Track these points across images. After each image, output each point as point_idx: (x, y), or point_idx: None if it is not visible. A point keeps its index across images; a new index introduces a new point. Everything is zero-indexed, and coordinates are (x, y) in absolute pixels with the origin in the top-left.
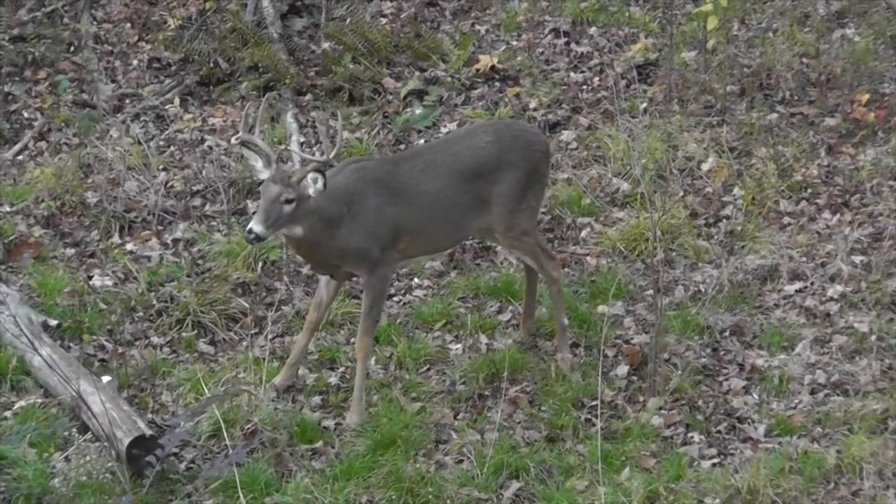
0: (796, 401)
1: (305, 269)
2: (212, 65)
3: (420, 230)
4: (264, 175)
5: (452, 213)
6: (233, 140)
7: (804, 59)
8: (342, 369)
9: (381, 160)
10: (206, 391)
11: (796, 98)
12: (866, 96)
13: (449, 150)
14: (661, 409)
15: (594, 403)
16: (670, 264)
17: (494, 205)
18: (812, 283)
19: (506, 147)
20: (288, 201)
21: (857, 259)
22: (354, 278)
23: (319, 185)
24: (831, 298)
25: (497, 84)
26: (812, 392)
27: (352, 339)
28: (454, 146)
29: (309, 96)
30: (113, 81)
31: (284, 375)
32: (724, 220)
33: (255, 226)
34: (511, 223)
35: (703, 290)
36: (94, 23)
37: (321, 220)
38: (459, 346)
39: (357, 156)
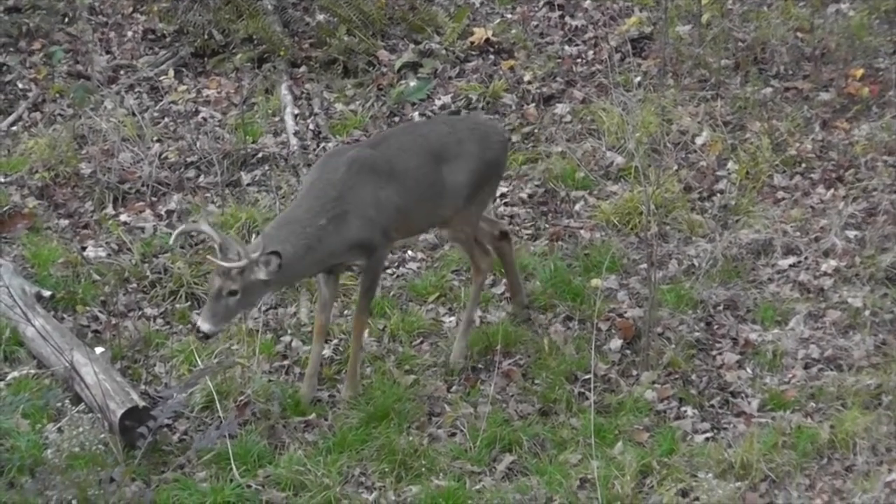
0: (790, 375)
1: None
2: (206, 36)
3: (407, 209)
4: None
5: (429, 192)
6: (172, 237)
7: (799, 34)
8: (335, 342)
9: (361, 146)
10: (200, 363)
11: (791, 72)
12: (860, 71)
13: (416, 132)
14: (654, 383)
15: (587, 377)
16: (664, 238)
17: (451, 194)
18: (806, 258)
19: (464, 138)
20: (231, 293)
21: (851, 234)
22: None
23: (273, 266)
24: (825, 273)
25: (491, 57)
26: (805, 367)
27: (345, 312)
28: (420, 129)
29: (303, 68)
30: (107, 53)
31: (308, 385)
32: (718, 195)
33: (203, 324)
34: (463, 215)
35: (696, 264)
36: None
37: (295, 259)
38: (453, 318)
39: (337, 144)
